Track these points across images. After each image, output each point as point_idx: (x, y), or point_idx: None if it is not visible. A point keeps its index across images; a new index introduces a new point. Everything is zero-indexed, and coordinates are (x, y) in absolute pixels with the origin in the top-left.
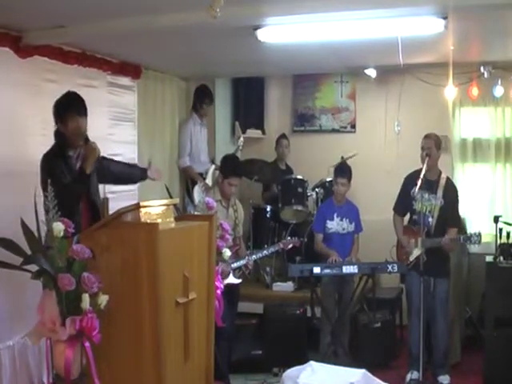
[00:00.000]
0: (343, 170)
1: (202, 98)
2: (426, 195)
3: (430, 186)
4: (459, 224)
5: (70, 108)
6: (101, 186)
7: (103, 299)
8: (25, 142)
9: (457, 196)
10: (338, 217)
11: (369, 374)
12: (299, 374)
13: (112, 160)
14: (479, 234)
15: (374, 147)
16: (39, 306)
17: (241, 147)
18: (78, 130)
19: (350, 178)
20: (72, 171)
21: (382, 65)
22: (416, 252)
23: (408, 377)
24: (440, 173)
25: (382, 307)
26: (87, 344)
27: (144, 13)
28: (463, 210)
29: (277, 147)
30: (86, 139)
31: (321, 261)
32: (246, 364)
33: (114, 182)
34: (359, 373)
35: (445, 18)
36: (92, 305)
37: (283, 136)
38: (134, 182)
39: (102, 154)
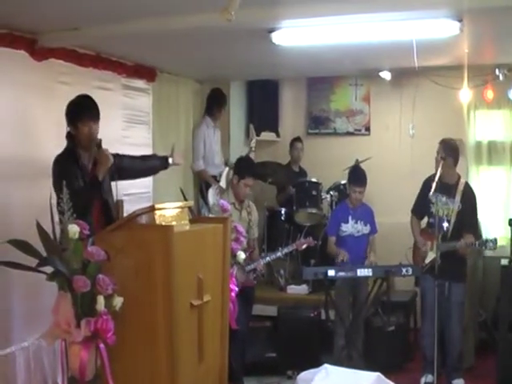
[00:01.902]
0: (359, 177)
1: (216, 102)
2: (444, 199)
3: (448, 190)
4: (476, 230)
5: (82, 112)
6: (115, 189)
7: (118, 301)
8: (39, 144)
9: (475, 202)
10: (352, 219)
11: (383, 377)
12: (313, 376)
13: (124, 156)
14: (495, 240)
15: (389, 150)
16: (54, 307)
17: (253, 149)
18: (90, 135)
19: (366, 184)
20: (84, 174)
21: (396, 67)
22: (431, 255)
23: (422, 380)
24: (459, 177)
25: (396, 310)
26: (102, 345)
27: (158, 15)
28: (478, 213)
29: (291, 150)
30: (99, 145)
31: (335, 264)
32: (259, 366)
33: (132, 178)
34: (373, 376)
35: (460, 20)
36: (107, 306)
37: (297, 139)
38: (154, 173)
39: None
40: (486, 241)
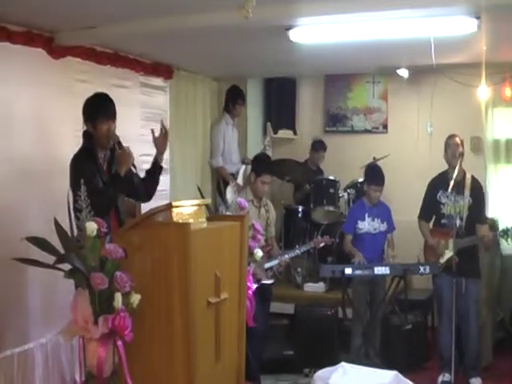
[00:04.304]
0: (377, 176)
1: (234, 99)
2: (453, 196)
3: (457, 186)
4: (487, 220)
5: (99, 111)
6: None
7: (135, 298)
8: (57, 142)
9: (483, 193)
10: (369, 217)
11: (400, 376)
12: (330, 375)
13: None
14: None
15: (406, 148)
16: (72, 304)
17: (267, 147)
18: (108, 133)
19: (383, 184)
20: (100, 172)
21: (414, 65)
22: (448, 254)
23: (439, 379)
24: (464, 173)
25: (413, 309)
26: (119, 342)
27: (176, 13)
28: (495, 211)
29: (313, 153)
30: (119, 143)
31: (352, 262)
32: (276, 364)
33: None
34: (390, 374)
35: (478, 17)
36: (124, 304)
37: (323, 147)
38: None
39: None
40: (507, 229)
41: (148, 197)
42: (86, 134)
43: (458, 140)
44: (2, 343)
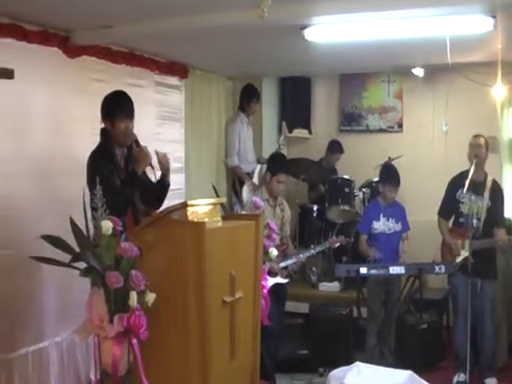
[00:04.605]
0: (393, 177)
1: (249, 97)
2: (473, 197)
3: (477, 187)
4: (505, 224)
5: (118, 108)
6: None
7: (150, 297)
8: (73, 140)
9: (503, 197)
10: (384, 217)
11: (415, 376)
12: (345, 374)
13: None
14: None
15: (421, 147)
16: (87, 303)
17: (281, 146)
18: (126, 131)
19: (399, 184)
20: (117, 170)
21: (429, 64)
22: (463, 253)
23: (455, 379)
24: (486, 174)
25: (428, 308)
26: (134, 341)
27: (191, 12)
28: (511, 212)
29: (329, 155)
30: (137, 142)
31: (367, 261)
32: (291, 363)
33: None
34: (405, 374)
35: (493, 16)
36: (139, 302)
37: (340, 149)
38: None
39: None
40: None
41: (159, 203)
42: (103, 132)
43: (479, 141)
44: (17, 342)
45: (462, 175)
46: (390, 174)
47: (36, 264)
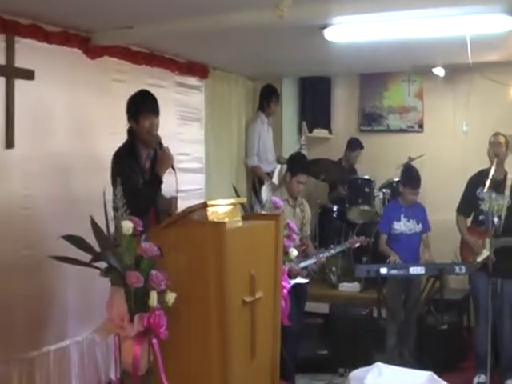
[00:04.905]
0: (414, 179)
1: (268, 97)
2: (493, 195)
3: (497, 185)
4: None
5: (143, 106)
6: (171, 185)
7: (171, 297)
8: (94, 140)
9: None
10: (404, 217)
11: (435, 377)
12: (366, 374)
13: None
14: None
15: (442, 147)
16: (108, 302)
17: (303, 146)
18: (151, 129)
19: (420, 186)
20: (142, 171)
21: (450, 63)
22: (485, 253)
23: (475, 380)
24: (506, 172)
25: (449, 309)
26: (155, 341)
27: (211, 12)
28: None
29: (349, 152)
30: (160, 143)
31: (387, 261)
32: (311, 364)
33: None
34: (425, 375)
35: None
36: (160, 302)
37: (360, 146)
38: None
39: None
40: None
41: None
42: (129, 132)
43: (499, 139)
44: (38, 340)
45: (482, 173)
46: (410, 176)
47: (57, 264)
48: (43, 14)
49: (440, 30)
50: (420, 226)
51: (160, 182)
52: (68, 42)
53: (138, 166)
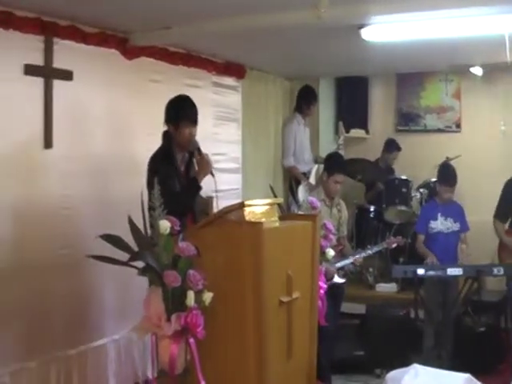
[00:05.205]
0: (449, 177)
1: (308, 100)
2: None
3: None
4: None
5: (183, 114)
6: (209, 185)
7: (208, 296)
8: (131, 141)
9: None
10: (441, 216)
11: (473, 379)
12: (403, 376)
13: None
14: None
15: (480, 147)
16: (145, 301)
17: (341, 146)
18: (189, 138)
19: (455, 184)
20: (178, 175)
21: (488, 63)
22: None
23: None
24: None
25: (486, 310)
26: (192, 340)
27: (249, 13)
28: None
29: (387, 154)
30: (199, 149)
31: (424, 262)
32: (347, 364)
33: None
34: (463, 377)
35: None
36: (197, 302)
37: (397, 148)
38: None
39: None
40: None
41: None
42: (165, 135)
43: None
44: (76, 339)
45: None
46: (446, 173)
47: (95, 263)
48: (81, 15)
49: (478, 29)
50: (457, 224)
51: (198, 188)
52: (106, 42)
53: (174, 170)
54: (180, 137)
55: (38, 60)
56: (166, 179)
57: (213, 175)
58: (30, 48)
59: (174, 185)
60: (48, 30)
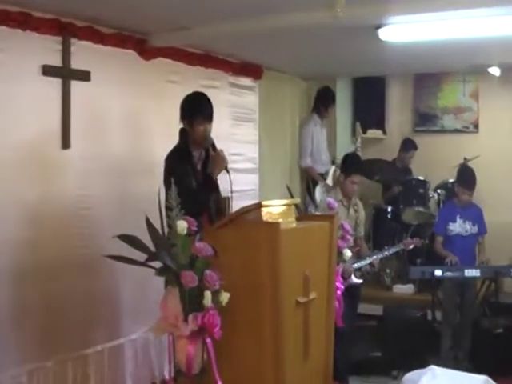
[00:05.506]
0: (469, 180)
1: (326, 101)
2: None
3: None
4: None
5: (198, 111)
6: (225, 185)
7: (225, 296)
8: (149, 142)
9: None
10: (460, 218)
11: (490, 381)
12: (420, 378)
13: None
14: None
15: (498, 148)
16: (162, 301)
17: (359, 148)
18: (204, 134)
19: (475, 187)
20: (194, 172)
21: (506, 63)
22: None
23: None
24: None
25: (504, 312)
26: (208, 340)
27: (265, 13)
28: None
29: (403, 153)
30: (214, 145)
31: (442, 263)
32: (364, 366)
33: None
34: (481, 379)
35: None
36: (214, 302)
37: (414, 147)
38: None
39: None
40: None
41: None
42: (182, 132)
43: None
44: (93, 338)
45: None
46: (466, 176)
47: (112, 263)
48: (99, 16)
49: (497, 29)
50: (476, 227)
51: (214, 184)
52: (123, 43)
53: (191, 167)
54: (195, 133)
55: (55, 61)
56: (182, 178)
57: (227, 171)
58: (48, 49)
59: (191, 183)
60: (66, 30)
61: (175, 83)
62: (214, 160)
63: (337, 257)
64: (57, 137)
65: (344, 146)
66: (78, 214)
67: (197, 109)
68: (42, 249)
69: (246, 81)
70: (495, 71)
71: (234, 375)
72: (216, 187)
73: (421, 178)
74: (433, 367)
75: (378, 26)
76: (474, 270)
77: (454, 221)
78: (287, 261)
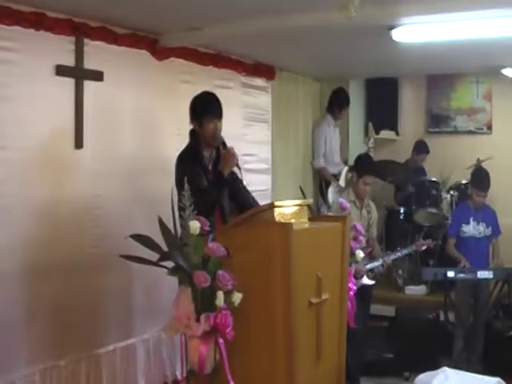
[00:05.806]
0: (483, 181)
1: (340, 103)
2: None
3: None
4: None
5: (207, 110)
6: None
7: (237, 297)
8: (161, 141)
9: None
10: (474, 220)
11: (503, 383)
12: (432, 379)
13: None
14: None
15: (511, 149)
16: (174, 301)
17: (371, 149)
18: (215, 132)
19: (489, 189)
20: (205, 172)
21: None
22: None
23: None
24: None
25: None
26: (221, 340)
27: (279, 13)
28: None
29: (415, 156)
30: (224, 143)
31: (455, 265)
32: (376, 367)
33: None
34: (493, 381)
35: None
36: (226, 302)
37: (426, 151)
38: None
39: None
40: None
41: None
42: (192, 133)
43: None
44: (106, 338)
45: None
46: (480, 178)
47: (125, 263)
48: (112, 16)
49: (509, 30)
50: (490, 229)
51: (225, 181)
52: (136, 43)
53: (202, 167)
54: (205, 132)
55: (69, 61)
56: (193, 178)
57: (239, 168)
58: (62, 49)
59: (202, 182)
60: (79, 31)
61: (188, 83)
62: (224, 157)
63: (349, 257)
64: (70, 137)
65: (357, 147)
66: (90, 213)
67: (206, 108)
68: (54, 248)
69: (259, 81)
70: (508, 72)
71: (247, 375)
72: (228, 184)
73: (433, 179)
74: (445, 369)
75: (391, 27)
76: (486, 272)
77: (468, 223)
78: (300, 261)
